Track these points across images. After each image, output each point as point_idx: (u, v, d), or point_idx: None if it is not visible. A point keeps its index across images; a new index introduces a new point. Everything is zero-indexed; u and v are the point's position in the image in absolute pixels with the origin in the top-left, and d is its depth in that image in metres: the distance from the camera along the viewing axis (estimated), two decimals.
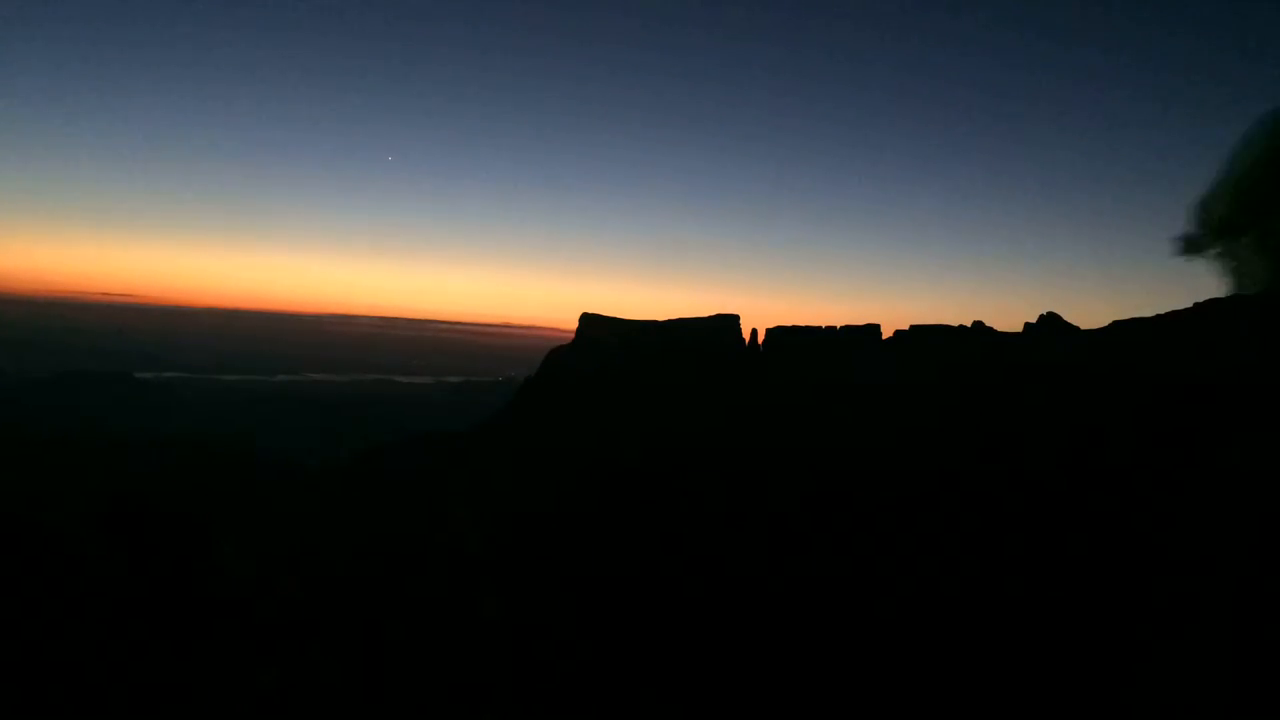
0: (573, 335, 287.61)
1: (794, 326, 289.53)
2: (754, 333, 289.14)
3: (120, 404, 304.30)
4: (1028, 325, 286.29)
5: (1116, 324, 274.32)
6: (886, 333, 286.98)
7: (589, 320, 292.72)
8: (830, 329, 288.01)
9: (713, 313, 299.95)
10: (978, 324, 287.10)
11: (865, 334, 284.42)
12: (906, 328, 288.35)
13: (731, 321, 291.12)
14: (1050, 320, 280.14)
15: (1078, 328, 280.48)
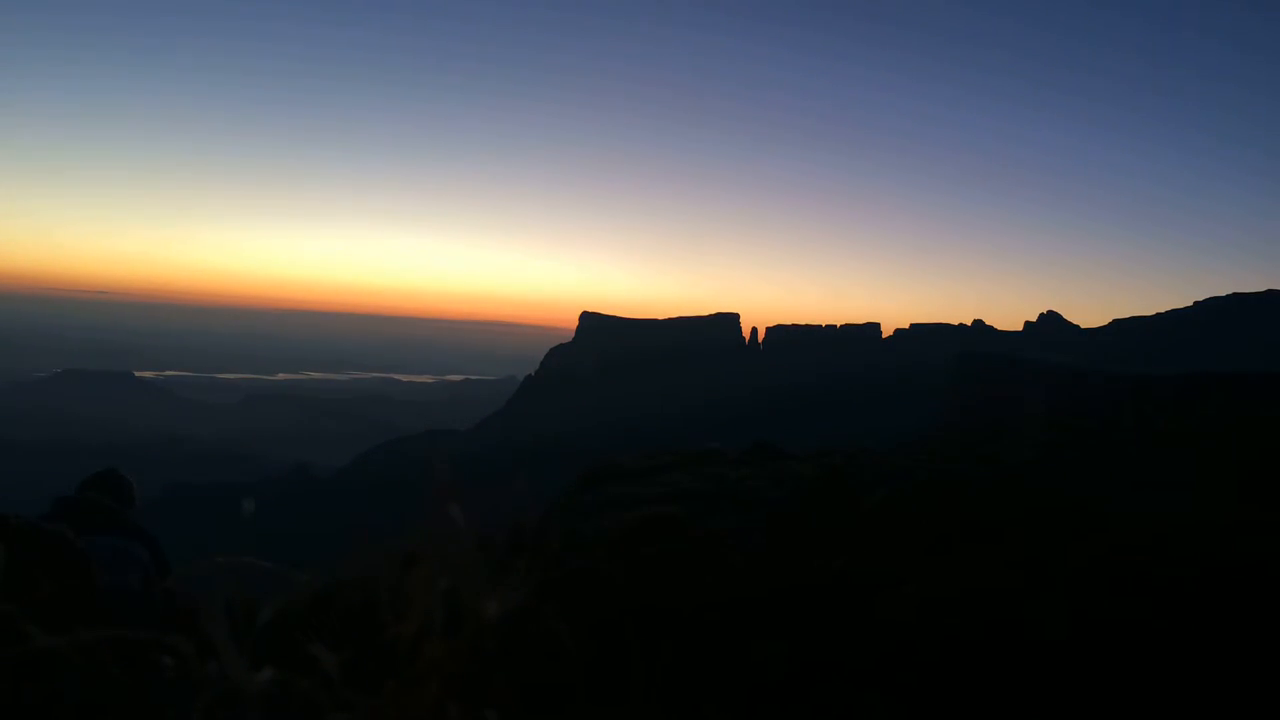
0: (573, 333, 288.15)
1: (794, 325, 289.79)
2: (754, 331, 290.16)
3: (121, 403, 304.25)
4: (1028, 324, 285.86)
5: (1116, 323, 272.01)
6: (886, 332, 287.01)
7: (589, 319, 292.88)
8: (830, 327, 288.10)
9: (713, 311, 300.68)
10: (978, 323, 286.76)
11: (865, 333, 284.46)
12: (907, 326, 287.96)
13: (731, 320, 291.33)
14: (1050, 320, 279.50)
15: (1078, 327, 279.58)
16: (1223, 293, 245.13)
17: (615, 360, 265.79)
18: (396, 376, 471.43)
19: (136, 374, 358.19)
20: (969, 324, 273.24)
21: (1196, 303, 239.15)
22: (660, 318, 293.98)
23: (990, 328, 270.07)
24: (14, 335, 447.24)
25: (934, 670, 3.53)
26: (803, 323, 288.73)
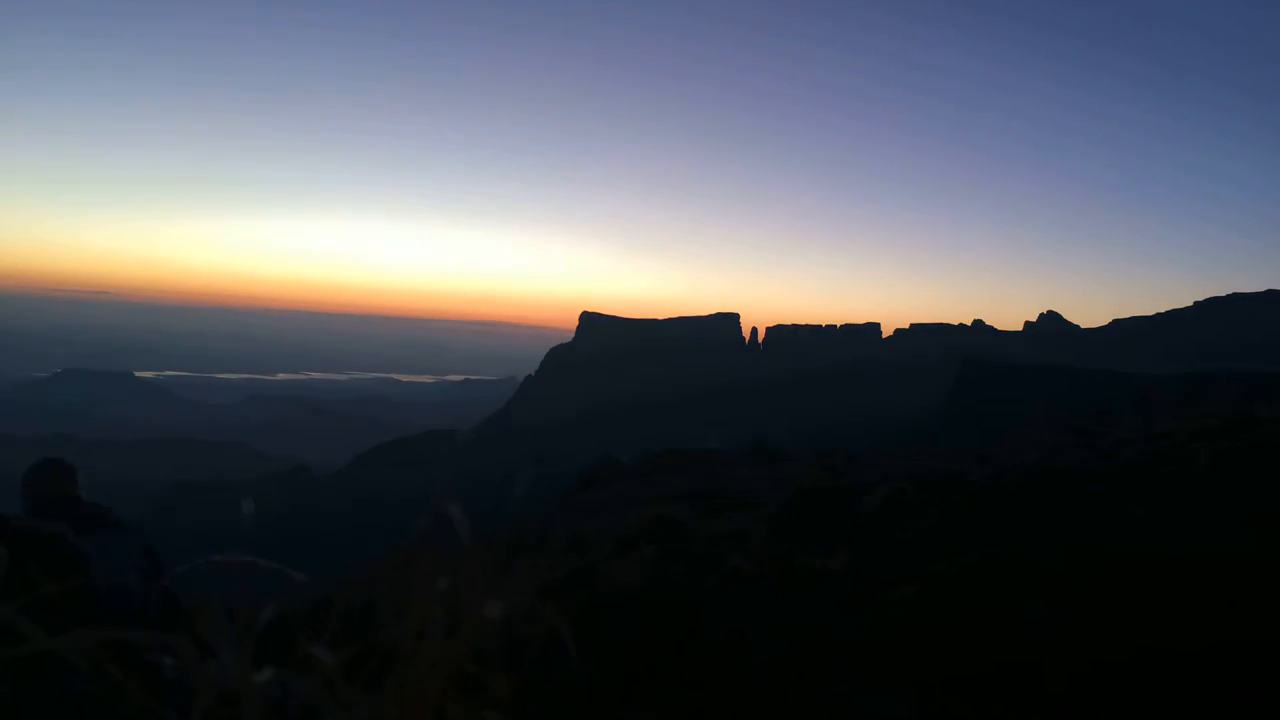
0: (573, 333, 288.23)
1: (794, 325, 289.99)
2: (754, 331, 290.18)
3: (121, 403, 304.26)
4: (1028, 324, 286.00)
5: (1116, 323, 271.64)
6: (886, 332, 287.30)
7: (589, 319, 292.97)
8: (830, 327, 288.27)
9: (713, 311, 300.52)
10: (978, 323, 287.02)
11: (865, 332, 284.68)
12: (907, 326, 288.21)
13: (731, 320, 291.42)
14: (1050, 320, 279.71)
15: (1078, 327, 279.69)
16: (1223, 293, 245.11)
17: (615, 361, 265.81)
18: (396, 376, 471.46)
19: (136, 374, 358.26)
20: (969, 324, 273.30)
21: (1196, 303, 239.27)
22: (660, 318, 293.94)
23: (990, 328, 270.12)
24: (14, 335, 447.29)
25: (935, 670, 3.53)
26: (803, 323, 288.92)
